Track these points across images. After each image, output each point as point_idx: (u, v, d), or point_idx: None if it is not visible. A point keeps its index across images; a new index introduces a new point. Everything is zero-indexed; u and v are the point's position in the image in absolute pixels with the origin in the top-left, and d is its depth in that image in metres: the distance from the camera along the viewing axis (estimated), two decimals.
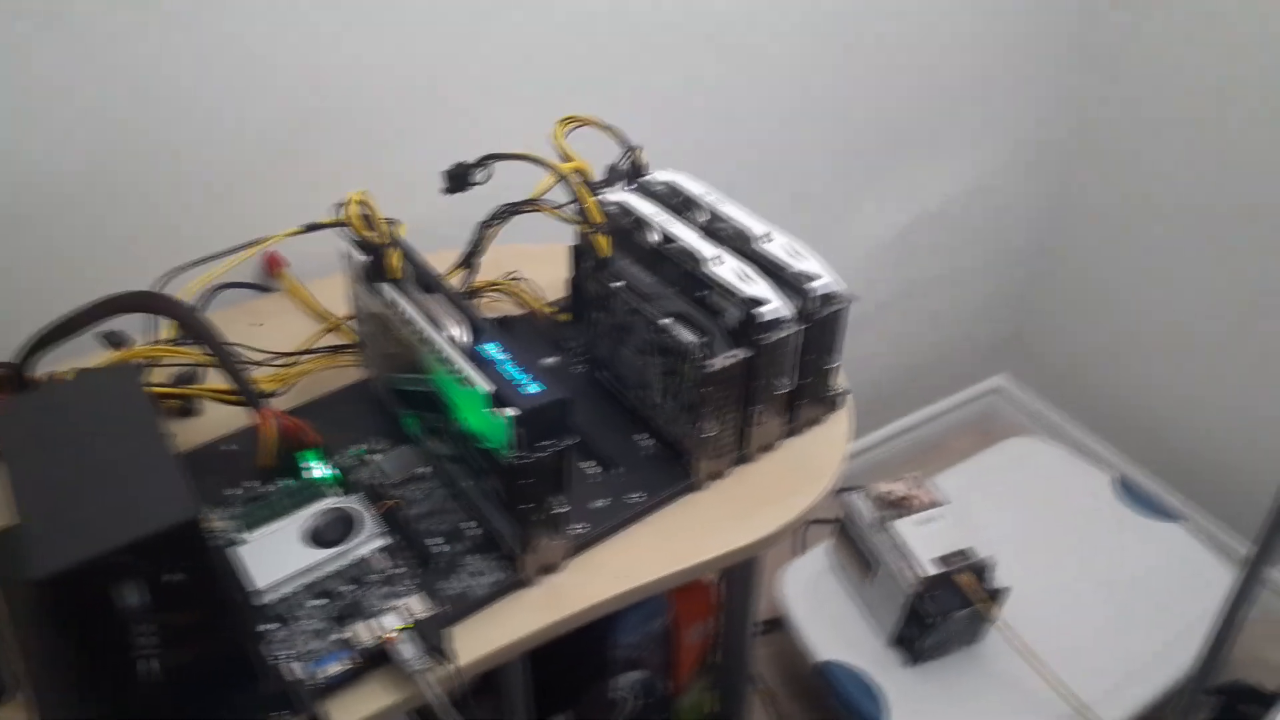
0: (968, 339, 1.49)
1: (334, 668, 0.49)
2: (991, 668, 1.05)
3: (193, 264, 0.67)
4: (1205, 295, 1.25)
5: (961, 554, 1.02)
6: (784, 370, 0.58)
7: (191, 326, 0.57)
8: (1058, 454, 1.32)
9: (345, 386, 0.67)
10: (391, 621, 0.50)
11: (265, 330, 0.73)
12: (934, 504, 1.07)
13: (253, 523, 0.56)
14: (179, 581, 0.43)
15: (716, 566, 0.57)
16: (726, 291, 0.57)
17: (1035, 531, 1.20)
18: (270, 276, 0.78)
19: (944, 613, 1.01)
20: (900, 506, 1.07)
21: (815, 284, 0.58)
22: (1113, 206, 1.32)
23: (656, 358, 0.58)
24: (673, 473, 0.59)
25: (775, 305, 0.56)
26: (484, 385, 0.49)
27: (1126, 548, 1.19)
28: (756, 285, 0.57)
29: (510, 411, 0.47)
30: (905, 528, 1.04)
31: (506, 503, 0.51)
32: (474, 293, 0.70)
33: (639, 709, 0.80)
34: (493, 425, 0.49)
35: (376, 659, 0.49)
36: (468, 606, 0.52)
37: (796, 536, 1.41)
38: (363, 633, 0.49)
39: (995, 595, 1.02)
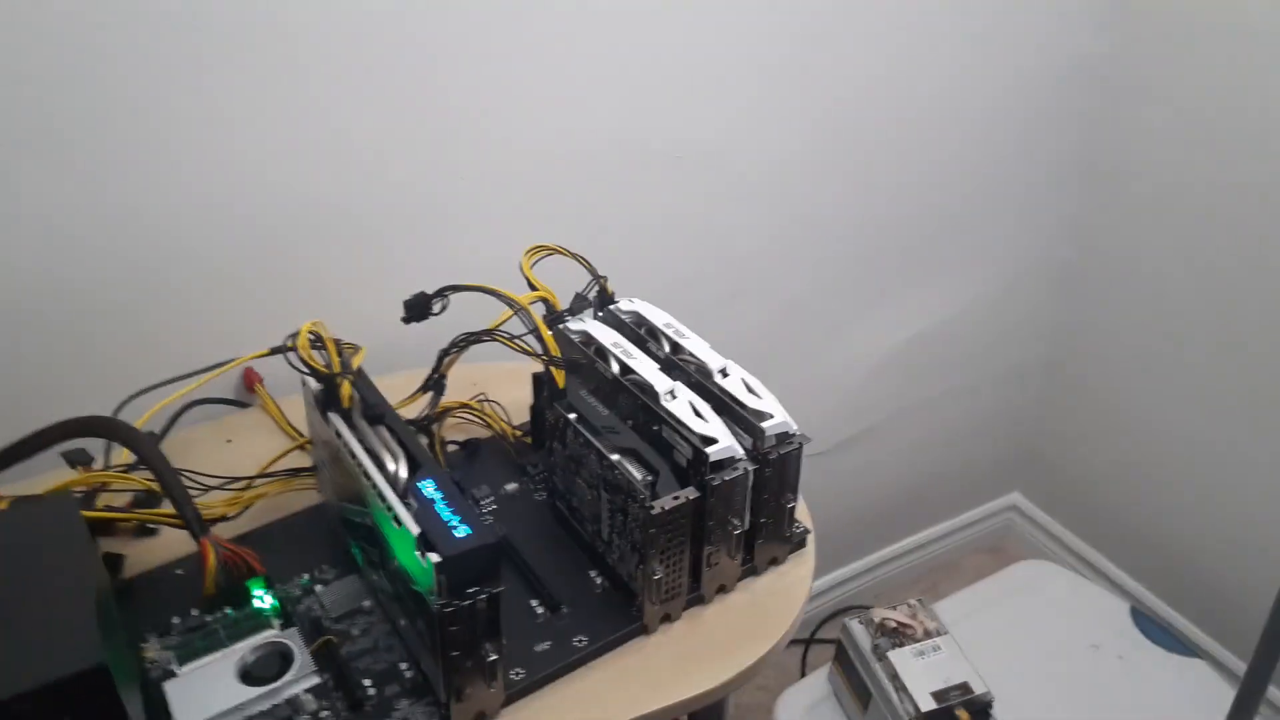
0: (980, 456, 1.46)
1: None
2: None
3: (162, 384, 0.67)
4: (1224, 416, 1.21)
5: (959, 688, 0.97)
6: (736, 510, 0.56)
7: (140, 452, 0.57)
8: (1071, 580, 1.26)
9: (302, 510, 0.66)
10: None
11: (234, 447, 0.73)
12: (932, 633, 1.03)
13: (188, 655, 0.54)
14: None
15: (665, 717, 0.54)
16: (680, 427, 0.55)
17: (1045, 663, 1.15)
18: (249, 390, 0.78)
19: None
20: (898, 635, 1.03)
21: (769, 423, 0.56)
22: (1124, 324, 1.30)
23: (606, 494, 0.57)
24: (621, 615, 0.57)
25: (726, 444, 0.54)
26: (412, 527, 0.48)
27: (1143, 684, 1.12)
28: (709, 423, 0.55)
29: (434, 556, 0.46)
30: (902, 658, 1.00)
31: (434, 648, 0.49)
32: (440, 415, 0.69)
33: None
34: (420, 568, 0.48)
35: None
36: None
37: (796, 660, 1.37)
38: None
39: None
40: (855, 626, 1.06)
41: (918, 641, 1.02)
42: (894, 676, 0.99)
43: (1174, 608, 1.33)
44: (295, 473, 0.66)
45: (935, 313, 1.26)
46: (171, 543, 0.62)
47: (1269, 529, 1.20)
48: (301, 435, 0.71)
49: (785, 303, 1.11)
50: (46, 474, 0.64)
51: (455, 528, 0.48)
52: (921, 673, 0.98)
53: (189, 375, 0.65)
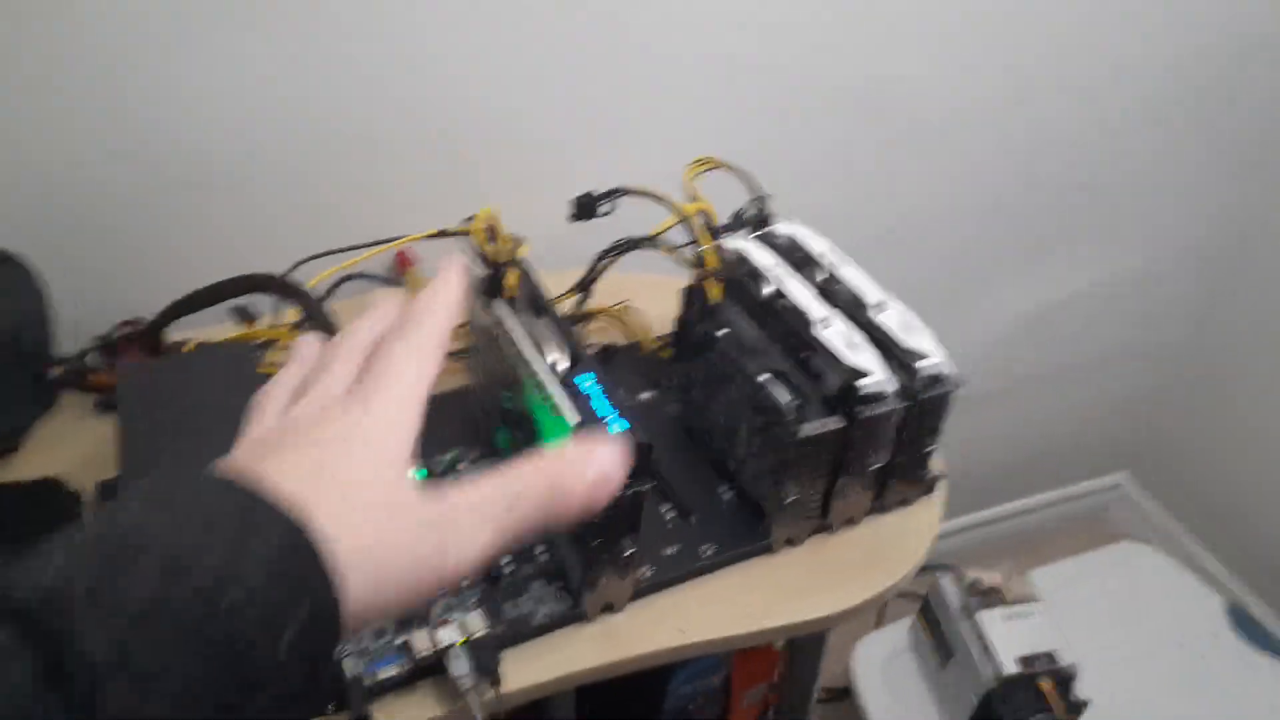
0: (1093, 430, 1.43)
1: (388, 671, 0.49)
2: None
3: (327, 253, 0.70)
4: None
5: (1047, 657, 0.97)
6: (878, 446, 0.56)
7: (311, 313, 0.59)
8: (1171, 567, 1.24)
9: (450, 391, 0.68)
10: (449, 634, 0.50)
11: None
12: (1024, 599, 1.02)
13: None
14: None
15: (779, 636, 0.56)
16: (831, 357, 0.55)
17: (1132, 647, 1.13)
18: (400, 273, 0.81)
19: (1018, 717, 0.96)
20: (989, 596, 1.03)
21: (924, 363, 0.56)
22: (1269, 319, 1.24)
23: (749, 413, 0.57)
24: (749, 531, 0.58)
25: (878, 378, 0.54)
26: (570, 416, 0.49)
27: (1232, 682, 1.10)
28: (862, 355, 0.55)
29: None
30: (991, 620, 1.00)
31: (576, 536, 0.51)
32: (584, 317, 0.70)
33: None
34: None
35: (429, 669, 0.50)
36: (524, 632, 0.52)
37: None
38: (420, 641, 0.50)
39: (1076, 707, 0.97)
40: (946, 583, 1.06)
41: (1009, 605, 1.02)
42: (980, 637, 0.99)
43: (1273, 610, 1.30)
44: (450, 353, 0.68)
45: (1080, 282, 1.22)
46: None
47: None
48: None
49: (937, 252, 1.09)
50: (213, 327, 0.67)
51: (612, 422, 0.49)
52: (1009, 636, 0.98)
53: (355, 248, 0.67)
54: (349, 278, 0.75)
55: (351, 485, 0.28)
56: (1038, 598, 1.02)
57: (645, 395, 0.68)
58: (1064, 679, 0.96)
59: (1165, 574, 1.23)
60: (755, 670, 0.78)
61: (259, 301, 0.68)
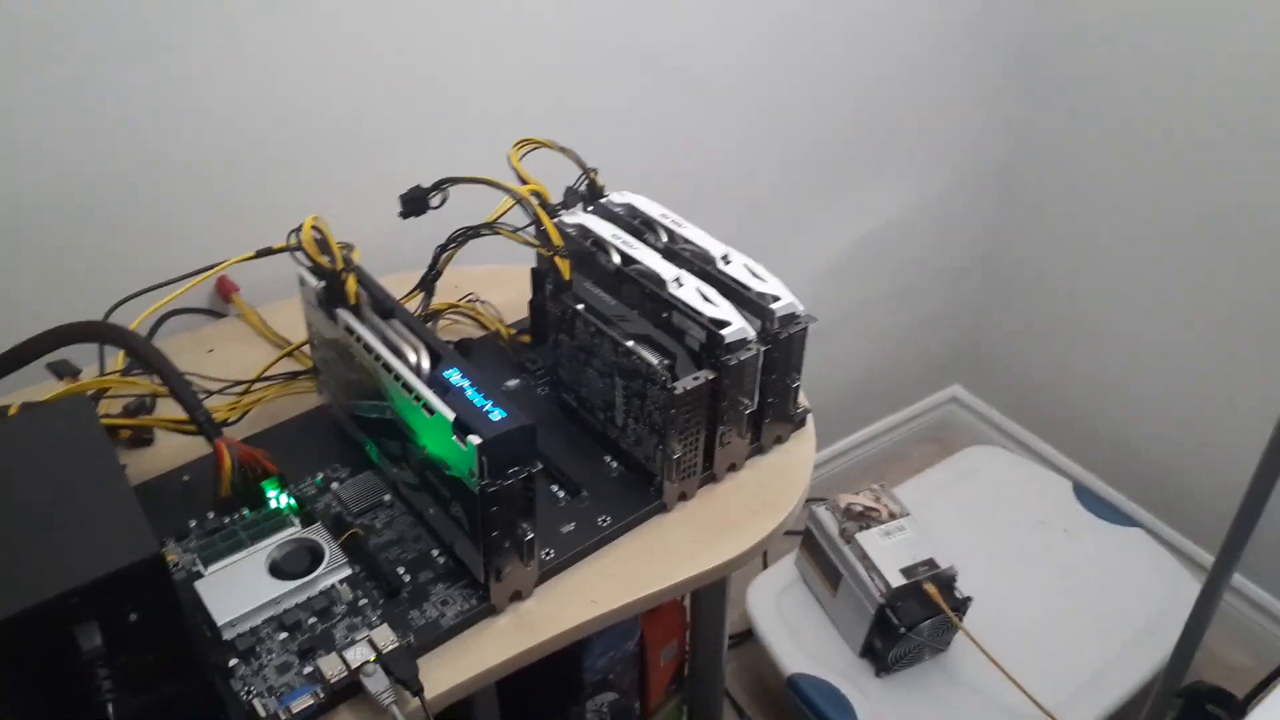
0: (922, 351, 1.51)
1: (303, 702, 0.48)
2: (960, 676, 1.06)
3: (143, 291, 0.66)
4: (1158, 302, 1.28)
5: (926, 564, 1.02)
6: (748, 390, 0.58)
7: (143, 355, 0.55)
8: (1017, 461, 1.33)
9: (302, 413, 0.65)
10: (360, 654, 0.49)
11: (216, 357, 0.71)
12: (896, 515, 1.08)
13: (211, 556, 0.54)
14: (141, 621, 0.42)
15: (687, 589, 0.57)
16: (690, 314, 0.57)
17: (997, 540, 1.22)
18: (223, 302, 0.77)
19: (910, 623, 1.01)
20: (864, 519, 1.08)
21: (778, 304, 0.58)
22: (1060, 216, 1.35)
23: (621, 380, 0.58)
24: (640, 495, 0.59)
25: (739, 326, 0.56)
26: (447, 413, 0.49)
27: (1088, 553, 1.20)
28: (719, 307, 0.57)
29: (474, 439, 0.47)
30: (870, 540, 1.05)
31: (473, 531, 0.51)
32: (432, 316, 0.69)
33: None
34: (457, 453, 0.48)
35: (345, 692, 0.48)
36: (436, 637, 0.51)
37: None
38: (330, 666, 0.48)
39: (960, 604, 1.03)
40: (822, 512, 1.10)
41: (883, 523, 1.07)
42: (863, 557, 1.04)
43: (1112, 486, 1.42)
44: (293, 375, 0.66)
45: (883, 214, 1.29)
46: (169, 451, 0.62)
47: (1198, 407, 1.28)
48: (286, 341, 0.70)
49: (748, 204, 1.13)
50: (31, 388, 0.62)
51: (490, 411, 0.49)
52: (889, 552, 1.03)
53: (172, 281, 0.64)
54: (171, 313, 0.71)
55: None
56: (908, 512, 1.08)
57: (512, 383, 0.68)
58: (945, 581, 1.03)
59: (1014, 468, 1.33)
60: (665, 628, 0.80)
61: (75, 357, 0.64)
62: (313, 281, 0.58)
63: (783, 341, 0.58)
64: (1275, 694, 0.68)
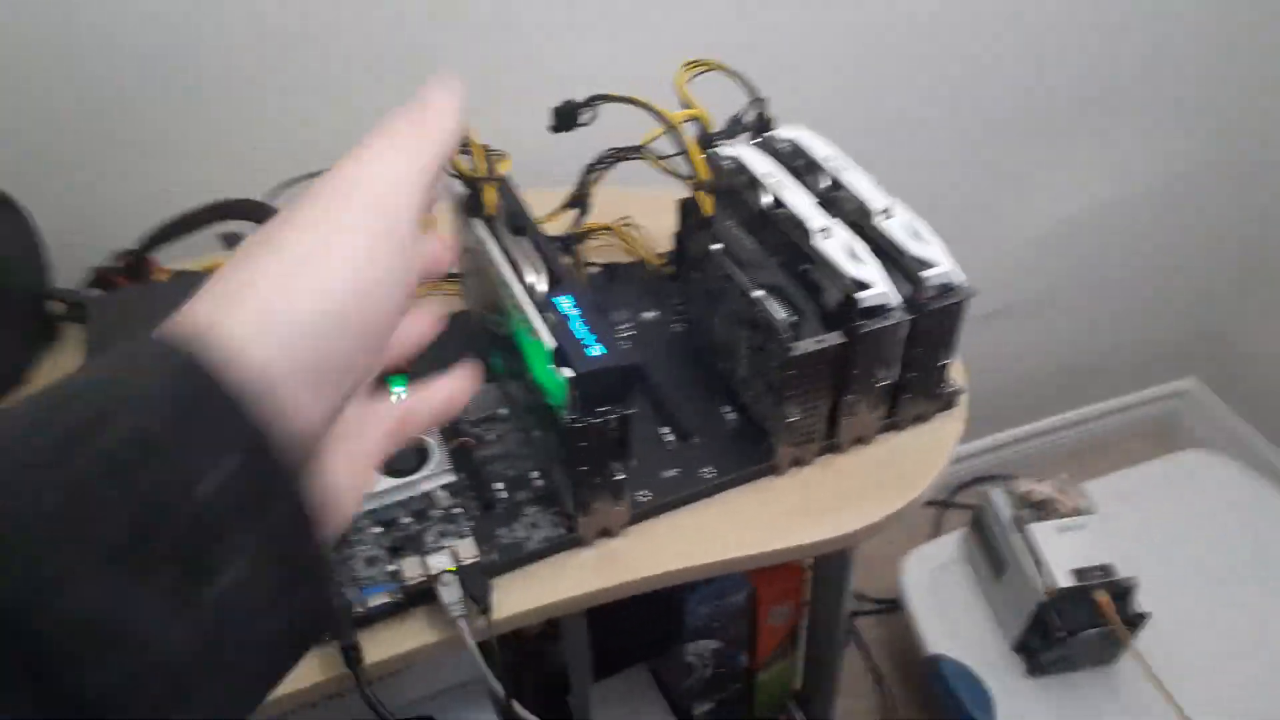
0: (1155, 335, 1.35)
1: (379, 599, 0.49)
2: (1120, 695, 0.97)
3: (308, 175, 0.68)
4: None
5: (1101, 569, 0.93)
6: (886, 361, 0.53)
7: None
8: (1239, 472, 1.18)
9: (447, 315, 0.66)
10: (440, 561, 0.50)
11: None
12: (1079, 511, 0.98)
13: None
14: None
15: (783, 559, 0.54)
16: (830, 269, 0.52)
17: (1199, 557, 1.09)
18: None
19: (1072, 629, 0.93)
20: (1042, 509, 0.99)
21: (931, 271, 0.52)
22: None
23: (745, 330, 0.55)
24: (753, 452, 0.56)
25: (880, 290, 0.51)
26: (548, 340, 0.47)
27: None
28: (864, 266, 0.52)
29: (567, 372, 0.46)
30: (1043, 532, 0.97)
31: (565, 462, 0.50)
32: (583, 236, 0.68)
33: (712, 676, 0.78)
34: (554, 382, 0.47)
35: (420, 596, 0.49)
36: (518, 559, 0.52)
37: (929, 520, 1.34)
38: (411, 568, 0.50)
39: (1134, 620, 0.93)
40: (997, 495, 1.02)
41: (1063, 517, 0.98)
42: (1033, 549, 0.96)
43: None
44: (444, 278, 0.67)
45: (1133, 177, 1.14)
46: None
47: None
48: None
49: (967, 146, 1.03)
50: (208, 255, 0.67)
51: (590, 346, 0.47)
52: (1063, 549, 0.95)
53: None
54: None
55: (277, 278, 0.24)
56: (1092, 510, 0.98)
57: (649, 315, 0.66)
58: (1120, 591, 0.93)
59: (1235, 481, 1.17)
60: (780, 588, 0.77)
61: (250, 230, 0.67)
62: (457, 187, 0.58)
63: (933, 313, 0.53)
64: None
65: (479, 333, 0.63)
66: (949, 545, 1.12)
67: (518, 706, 0.51)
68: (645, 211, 0.70)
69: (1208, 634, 1.01)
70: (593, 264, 0.69)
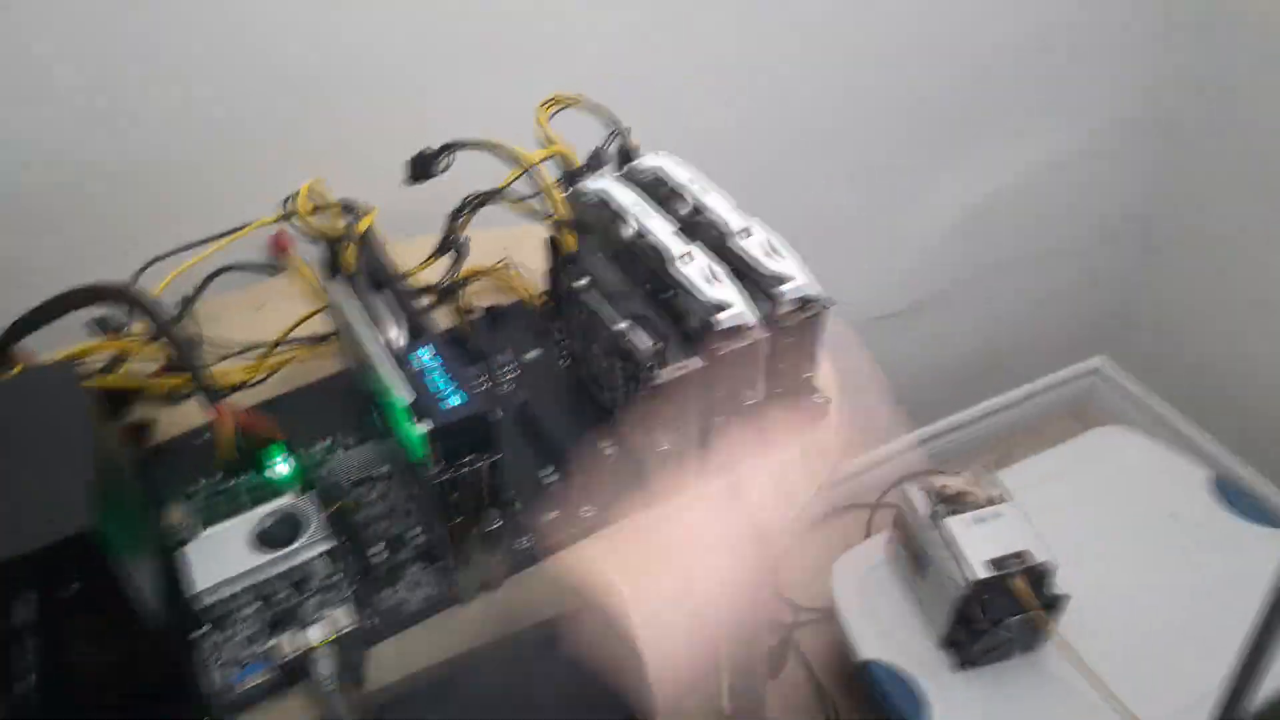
0: (1062, 318, 1.38)
1: (254, 679, 0.48)
2: (1051, 679, 0.98)
3: (178, 250, 0.67)
4: None
5: (1017, 557, 0.94)
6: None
7: (151, 316, 0.56)
8: (1149, 446, 1.20)
9: (328, 376, 0.65)
10: (317, 634, 0.48)
11: (264, 314, 0.72)
12: (993, 500, 1.00)
13: (210, 518, 0.55)
14: (76, 594, 0.43)
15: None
16: (690, 294, 0.52)
17: (1116, 533, 1.11)
18: (280, 256, 0.78)
19: (995, 619, 0.94)
20: (956, 502, 1.00)
21: (787, 286, 0.52)
22: (1229, 183, 1.18)
23: (619, 362, 0.54)
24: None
25: (737, 310, 0.51)
26: (403, 395, 0.47)
27: (1218, 555, 1.08)
28: (723, 287, 0.52)
29: (422, 426, 0.45)
30: (960, 525, 0.98)
31: (437, 517, 0.49)
32: (463, 281, 0.67)
33: None
34: (413, 437, 0.47)
35: (297, 673, 0.48)
36: (399, 620, 0.50)
37: (859, 523, 1.35)
38: (286, 644, 0.48)
39: (1053, 603, 0.95)
40: (914, 492, 1.03)
41: (978, 508, 0.99)
42: (950, 543, 0.97)
43: (1263, 477, 1.26)
44: (321, 338, 0.66)
45: (1022, 166, 1.17)
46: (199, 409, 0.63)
47: None
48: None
49: (856, 158, 1.04)
50: (75, 343, 0.65)
51: (447, 397, 0.47)
52: (980, 540, 0.96)
53: (203, 241, 0.65)
54: (221, 270, 0.72)
55: None
56: (1007, 497, 1.00)
57: (532, 354, 0.66)
58: (1038, 576, 0.94)
59: (1147, 453, 1.20)
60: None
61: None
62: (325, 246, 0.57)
63: (791, 328, 0.53)
64: None
65: (359, 390, 0.62)
66: (876, 547, 1.13)
67: None
68: (524, 250, 0.70)
69: (1131, 609, 1.03)
70: (472, 310, 0.69)
